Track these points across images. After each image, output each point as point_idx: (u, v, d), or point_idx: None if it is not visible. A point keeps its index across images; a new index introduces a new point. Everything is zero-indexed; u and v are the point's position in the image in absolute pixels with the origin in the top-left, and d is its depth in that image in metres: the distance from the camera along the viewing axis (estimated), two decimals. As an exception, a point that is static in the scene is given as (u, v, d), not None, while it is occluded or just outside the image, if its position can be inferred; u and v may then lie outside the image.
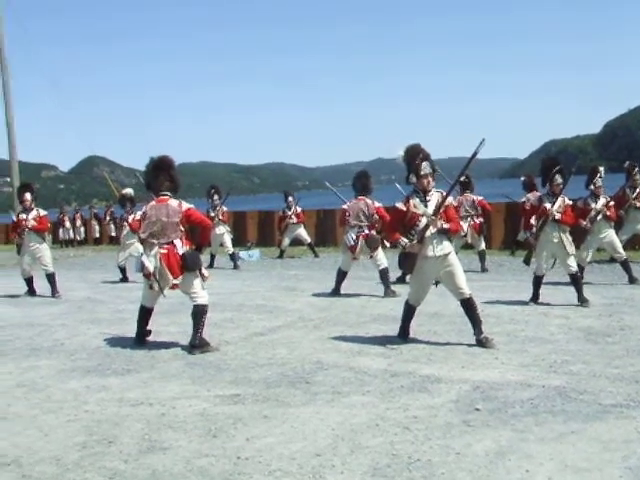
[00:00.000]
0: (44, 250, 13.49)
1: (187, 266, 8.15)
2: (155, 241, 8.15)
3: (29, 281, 13.69)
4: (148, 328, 8.56)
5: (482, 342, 7.61)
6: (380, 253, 12.04)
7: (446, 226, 7.62)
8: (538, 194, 17.27)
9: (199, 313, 8.20)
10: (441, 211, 7.65)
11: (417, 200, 7.74)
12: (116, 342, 8.59)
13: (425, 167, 7.68)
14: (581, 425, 5.00)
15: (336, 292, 12.00)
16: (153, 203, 8.30)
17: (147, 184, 8.55)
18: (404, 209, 7.73)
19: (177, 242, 8.16)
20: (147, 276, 8.19)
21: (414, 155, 7.69)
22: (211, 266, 17.82)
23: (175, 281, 8.16)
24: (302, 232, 19.90)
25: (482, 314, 7.95)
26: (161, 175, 8.35)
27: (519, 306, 10.02)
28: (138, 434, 5.22)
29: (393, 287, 11.75)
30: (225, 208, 18.20)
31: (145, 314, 8.52)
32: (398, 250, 7.86)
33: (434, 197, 7.74)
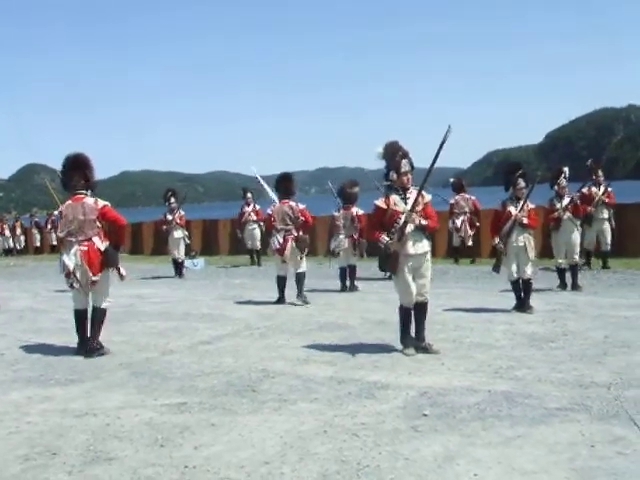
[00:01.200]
0: None
1: (107, 262, 8.23)
2: (74, 239, 8.14)
3: None
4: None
5: (425, 348, 7.66)
6: (304, 257, 12.16)
7: (424, 222, 7.58)
8: (467, 196, 17.87)
9: (101, 316, 8.35)
10: (420, 208, 7.61)
11: (397, 197, 7.68)
12: (59, 352, 8.43)
13: (405, 164, 7.63)
14: (527, 429, 5.05)
15: (281, 300, 11.95)
16: (69, 202, 8.31)
17: (63, 183, 8.54)
18: (384, 207, 7.67)
19: (96, 239, 8.21)
20: (67, 275, 8.15)
21: (394, 152, 7.64)
22: (179, 274, 17.67)
23: (95, 278, 8.14)
24: (258, 234, 19.46)
25: (427, 320, 7.98)
26: (76, 174, 8.32)
27: (464, 313, 10.10)
28: (82, 445, 5.12)
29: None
30: (182, 212, 18.02)
31: (80, 318, 8.39)
32: (370, 258, 7.84)
33: (413, 194, 7.66)
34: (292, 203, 12.15)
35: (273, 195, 13.12)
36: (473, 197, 18.22)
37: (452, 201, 17.77)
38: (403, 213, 7.56)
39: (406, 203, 7.62)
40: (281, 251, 11.90)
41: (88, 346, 8.22)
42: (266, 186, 14.54)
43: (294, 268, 12.07)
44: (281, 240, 11.90)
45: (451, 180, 18.65)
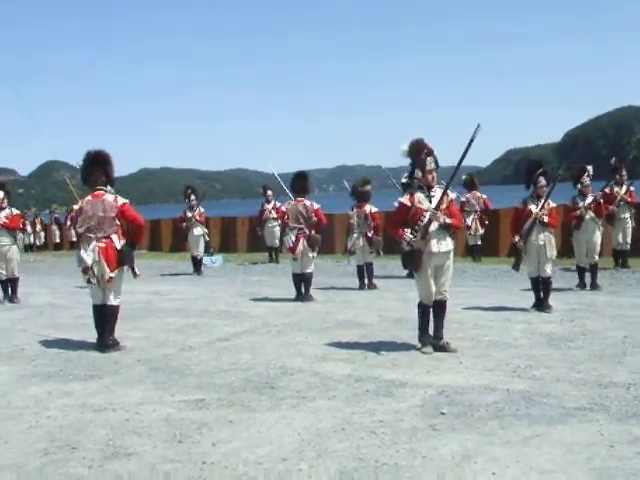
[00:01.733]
0: (15, 252, 13.33)
1: (123, 261, 8.31)
2: (92, 235, 8.20)
3: (4, 284, 13.35)
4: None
5: (443, 347, 7.65)
6: (314, 257, 12.23)
7: (449, 221, 7.57)
8: (478, 194, 17.79)
9: (113, 313, 8.40)
10: (444, 207, 7.60)
11: (421, 195, 7.65)
12: (78, 347, 8.48)
13: (430, 162, 7.60)
14: (545, 428, 5.04)
15: (299, 297, 11.96)
16: (89, 198, 8.36)
17: (83, 179, 8.61)
18: (408, 204, 7.64)
19: (114, 237, 8.28)
20: (85, 271, 8.20)
21: (419, 150, 7.62)
22: (197, 271, 17.70)
23: (111, 274, 8.21)
24: (278, 231, 19.00)
25: (446, 319, 7.97)
26: (97, 170, 8.38)
27: (482, 311, 10.07)
28: (102, 440, 5.15)
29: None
30: (202, 209, 18.07)
31: (98, 313, 8.44)
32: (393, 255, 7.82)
33: (438, 193, 7.66)
34: (307, 202, 12.16)
35: (289, 192, 13.15)
36: (484, 195, 18.05)
37: (463, 199, 17.70)
38: (427, 211, 7.54)
39: (430, 201, 7.60)
40: (293, 249, 11.93)
41: (103, 342, 8.28)
42: (282, 183, 14.59)
43: (296, 267, 12.11)
44: (293, 238, 11.92)
45: (463, 177, 18.54)
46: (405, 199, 7.74)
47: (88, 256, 8.15)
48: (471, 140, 7.45)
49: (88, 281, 8.25)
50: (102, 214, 8.21)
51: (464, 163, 7.72)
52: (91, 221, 8.18)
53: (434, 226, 7.52)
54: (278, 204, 19.25)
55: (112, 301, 8.35)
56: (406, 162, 7.88)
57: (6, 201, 13.21)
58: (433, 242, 7.55)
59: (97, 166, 8.38)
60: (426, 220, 7.51)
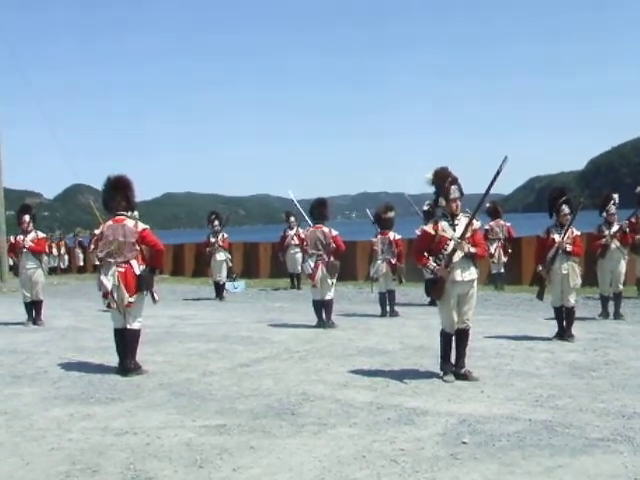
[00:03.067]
0: (40, 276, 13.44)
1: (142, 286, 8.36)
2: (112, 260, 8.27)
3: (29, 306, 13.39)
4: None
5: (465, 375, 7.61)
6: (333, 284, 12.21)
7: (473, 250, 7.58)
8: (502, 222, 17.71)
9: (134, 337, 8.43)
10: (468, 235, 7.59)
11: (445, 224, 7.64)
12: (100, 370, 8.53)
13: (454, 191, 7.60)
14: (568, 459, 4.99)
15: (320, 323, 11.94)
16: (110, 223, 8.42)
17: (104, 203, 8.68)
18: (432, 232, 7.64)
19: (133, 262, 8.34)
20: (105, 295, 8.27)
21: (443, 178, 7.63)
22: (219, 296, 17.71)
23: (130, 299, 8.27)
24: (300, 258, 18.36)
25: (468, 347, 7.94)
26: (118, 195, 8.45)
27: (504, 340, 10.01)
28: (123, 463, 5.17)
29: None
30: (226, 235, 18.12)
31: (119, 337, 8.47)
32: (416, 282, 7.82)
33: (462, 221, 7.66)
34: (325, 229, 12.18)
35: (308, 219, 13.13)
36: (508, 223, 17.95)
37: (487, 227, 17.61)
38: (451, 240, 7.53)
39: (454, 229, 7.59)
40: (312, 276, 11.94)
41: (125, 366, 8.32)
42: (301, 210, 14.61)
43: (316, 294, 12.10)
44: (312, 265, 11.94)
45: (487, 205, 18.45)
46: (429, 227, 7.75)
47: (108, 281, 8.21)
48: (498, 172, 7.48)
49: (108, 305, 8.31)
50: (122, 239, 8.28)
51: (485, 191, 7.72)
52: (111, 246, 8.24)
53: (458, 255, 7.51)
54: (300, 230, 19.21)
55: (133, 325, 8.39)
56: (428, 189, 7.89)
57: (32, 224, 13.34)
58: (457, 271, 7.54)
59: (118, 191, 8.47)
60: (450, 249, 7.51)
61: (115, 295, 8.23)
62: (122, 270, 8.27)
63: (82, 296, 19.45)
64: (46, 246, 14.36)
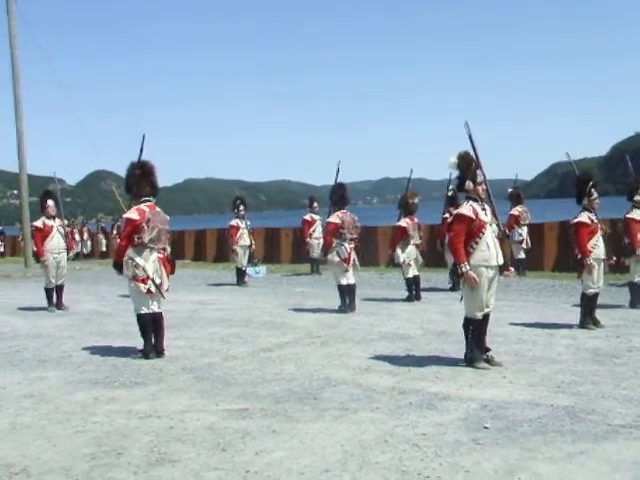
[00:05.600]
0: (65, 260, 13.55)
1: (172, 272, 8.59)
2: (154, 246, 8.32)
3: (52, 292, 13.50)
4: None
5: (487, 360, 7.57)
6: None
7: (508, 233, 7.45)
8: (525, 208, 17.57)
9: (158, 321, 8.59)
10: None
11: (479, 207, 7.50)
12: (123, 354, 8.59)
13: (480, 174, 7.54)
14: (590, 445, 4.99)
15: (344, 308, 11.95)
16: (148, 209, 8.42)
17: (128, 188, 8.71)
18: (472, 216, 7.42)
19: (168, 248, 8.59)
20: (144, 281, 8.28)
21: (470, 161, 7.55)
22: (241, 282, 17.69)
23: (168, 284, 8.51)
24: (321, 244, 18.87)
25: (489, 333, 7.93)
26: (143, 180, 8.47)
27: (526, 326, 9.99)
28: (147, 446, 5.22)
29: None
30: (249, 222, 18.16)
31: (151, 320, 8.51)
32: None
33: (486, 207, 7.59)
34: (350, 213, 12.24)
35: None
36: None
37: (515, 212, 17.50)
38: (488, 224, 7.45)
39: (486, 214, 7.52)
40: (347, 260, 11.93)
41: (160, 347, 8.50)
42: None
43: (348, 279, 12.10)
44: (348, 249, 11.93)
45: (509, 191, 18.41)
46: (468, 210, 7.47)
47: (150, 266, 8.27)
48: (469, 136, 7.62)
49: (148, 291, 8.34)
50: (161, 226, 8.37)
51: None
52: (153, 232, 8.28)
53: (493, 239, 7.48)
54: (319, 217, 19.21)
55: (161, 308, 8.51)
56: (446, 175, 7.85)
57: (55, 210, 13.41)
58: (493, 255, 7.46)
59: (143, 176, 8.50)
60: (487, 233, 7.42)
61: (156, 280, 8.32)
62: (161, 256, 8.42)
63: (105, 281, 19.57)
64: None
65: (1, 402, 6.60)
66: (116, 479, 4.60)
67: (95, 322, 11.59)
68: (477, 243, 7.42)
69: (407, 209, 13.69)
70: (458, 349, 7.95)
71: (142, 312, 8.42)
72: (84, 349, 9.07)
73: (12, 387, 7.17)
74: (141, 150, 8.65)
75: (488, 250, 7.42)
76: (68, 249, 13.85)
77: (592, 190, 9.81)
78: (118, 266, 8.47)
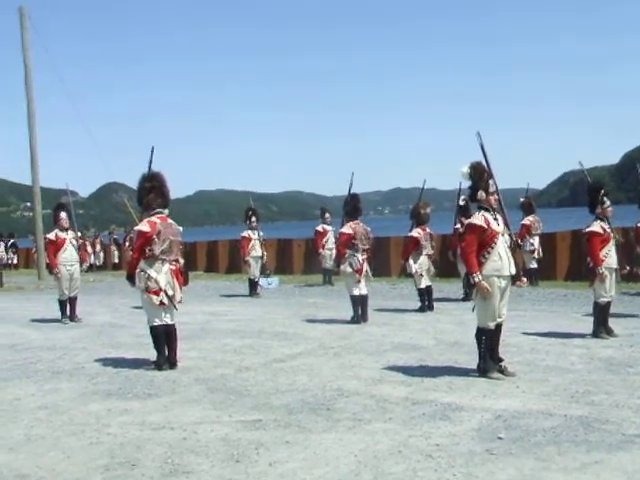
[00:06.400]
0: (79, 272, 13.62)
1: (186, 283, 8.71)
2: (166, 258, 8.35)
3: (65, 303, 13.49)
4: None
5: (501, 370, 7.55)
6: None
7: (521, 243, 7.45)
8: (537, 218, 17.49)
9: (171, 333, 8.60)
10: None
11: (490, 217, 7.49)
12: (136, 366, 8.62)
13: (492, 184, 7.52)
14: (605, 455, 4.97)
15: (357, 319, 11.93)
16: (159, 221, 8.43)
17: (139, 200, 8.72)
18: (484, 226, 7.42)
19: (181, 260, 8.61)
20: (156, 292, 8.31)
21: (482, 171, 7.54)
22: (253, 293, 17.69)
23: (180, 296, 8.53)
24: (333, 254, 17.93)
25: (502, 343, 7.91)
26: (153, 191, 8.49)
27: (539, 336, 9.96)
28: (160, 458, 5.24)
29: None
30: (262, 232, 18.16)
31: (164, 332, 8.52)
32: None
33: (497, 216, 7.58)
34: (363, 224, 12.25)
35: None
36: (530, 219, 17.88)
37: (527, 222, 17.45)
38: (500, 234, 7.44)
39: (498, 224, 7.52)
40: (360, 271, 11.93)
41: (172, 360, 8.50)
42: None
43: (360, 289, 12.08)
44: (360, 259, 11.93)
45: (521, 200, 18.36)
46: (480, 220, 7.47)
47: (162, 278, 8.30)
48: (481, 146, 7.59)
49: (160, 303, 8.36)
50: (173, 237, 8.40)
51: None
52: (164, 244, 8.30)
53: (505, 249, 7.46)
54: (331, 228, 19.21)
55: (174, 320, 8.54)
56: (457, 185, 7.85)
57: (68, 222, 13.47)
58: (505, 265, 7.45)
59: (154, 188, 8.53)
60: (499, 243, 7.40)
61: (169, 291, 8.35)
62: (173, 268, 8.43)
63: (118, 293, 19.63)
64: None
65: (16, 413, 6.64)
66: (130, 490, 4.62)
67: (108, 334, 11.62)
68: (489, 253, 7.41)
69: (419, 219, 13.69)
70: (471, 359, 7.94)
71: (155, 324, 8.43)
72: (97, 361, 9.10)
73: (27, 398, 7.21)
74: (150, 162, 8.70)
75: (500, 260, 7.41)
76: (81, 261, 13.94)
77: (604, 198, 9.78)
78: (131, 278, 8.51)
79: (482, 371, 7.54)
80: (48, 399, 7.15)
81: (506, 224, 7.63)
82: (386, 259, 20.89)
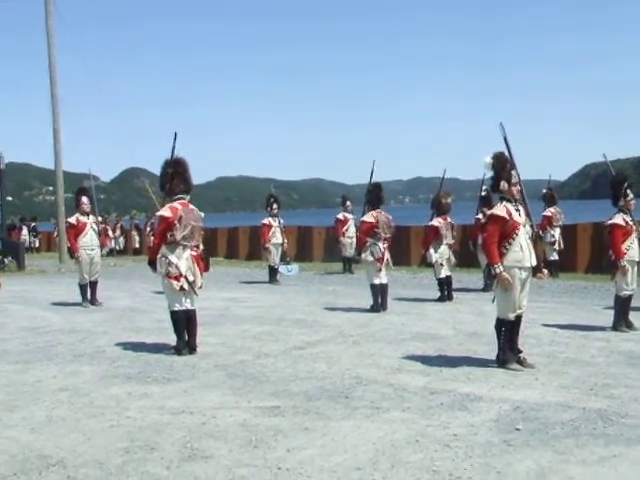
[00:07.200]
0: (99, 256, 13.72)
1: (207, 269, 8.74)
2: (187, 243, 8.38)
3: (86, 287, 13.60)
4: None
5: (520, 362, 7.53)
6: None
7: (542, 234, 7.41)
8: (559, 209, 17.37)
9: (192, 318, 8.68)
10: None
11: (513, 208, 7.46)
12: (157, 350, 8.68)
13: (515, 175, 7.49)
14: (623, 449, 4.96)
15: (376, 307, 11.94)
16: (181, 207, 8.45)
17: (162, 185, 8.74)
18: (506, 216, 7.39)
19: (201, 246, 8.65)
20: (177, 278, 8.34)
21: (505, 162, 7.51)
22: (273, 280, 17.71)
23: (201, 281, 8.58)
24: (354, 242, 18.06)
25: (522, 335, 7.89)
26: (176, 177, 8.52)
27: (559, 328, 9.93)
28: (179, 442, 5.27)
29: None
30: (282, 220, 18.15)
31: (184, 317, 8.56)
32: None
33: (519, 207, 7.53)
34: (385, 212, 12.23)
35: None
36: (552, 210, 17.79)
37: (548, 213, 17.36)
38: (522, 225, 7.41)
39: (520, 215, 7.47)
40: (381, 259, 11.93)
41: (192, 345, 8.57)
42: None
43: (381, 278, 12.08)
44: (382, 248, 11.93)
45: (543, 191, 18.26)
46: (502, 210, 7.45)
47: (182, 263, 8.35)
48: (505, 138, 7.57)
49: (181, 288, 8.40)
50: (195, 223, 8.43)
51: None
52: (186, 229, 8.33)
53: (526, 240, 7.43)
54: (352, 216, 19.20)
55: (195, 305, 8.59)
56: (479, 175, 7.81)
57: (90, 206, 13.55)
58: (527, 256, 7.42)
59: (177, 173, 8.55)
60: (521, 235, 7.38)
61: (190, 277, 8.40)
62: (194, 254, 8.48)
63: (138, 277, 19.73)
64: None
65: (37, 395, 6.70)
66: (149, 473, 4.66)
67: (129, 318, 11.70)
68: (510, 244, 7.38)
69: (440, 209, 13.67)
70: (490, 350, 7.93)
71: (175, 309, 8.48)
72: (118, 345, 9.17)
73: (48, 380, 7.28)
74: (173, 148, 8.73)
75: (521, 251, 7.39)
76: (102, 246, 14.04)
77: (628, 191, 9.71)
78: (152, 263, 8.55)
79: (501, 362, 7.54)
80: (69, 381, 7.22)
81: (528, 215, 7.60)
82: (406, 248, 20.87)
